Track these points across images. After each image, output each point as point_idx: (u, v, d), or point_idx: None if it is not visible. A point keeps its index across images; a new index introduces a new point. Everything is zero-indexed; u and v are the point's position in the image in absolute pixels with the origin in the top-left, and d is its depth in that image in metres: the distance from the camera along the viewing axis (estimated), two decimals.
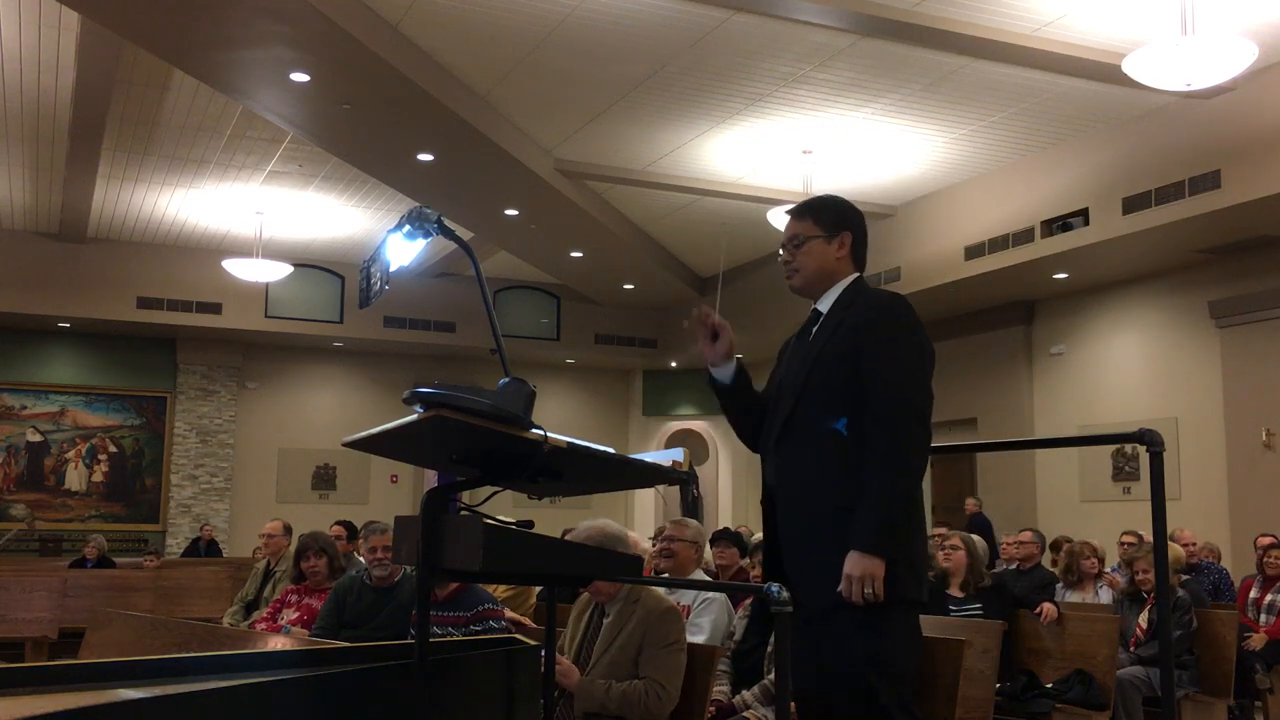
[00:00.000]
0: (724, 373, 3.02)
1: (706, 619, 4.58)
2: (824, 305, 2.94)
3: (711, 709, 3.87)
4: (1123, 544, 8.20)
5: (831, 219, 2.97)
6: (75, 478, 14.76)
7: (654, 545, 5.05)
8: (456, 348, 15.57)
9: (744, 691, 4.12)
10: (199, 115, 9.66)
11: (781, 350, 3.06)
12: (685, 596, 4.55)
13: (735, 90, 8.67)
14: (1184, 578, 6.67)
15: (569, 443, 2.21)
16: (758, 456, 3.01)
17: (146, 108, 9.49)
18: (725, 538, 6.14)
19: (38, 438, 14.64)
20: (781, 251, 3.02)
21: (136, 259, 13.85)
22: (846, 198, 3.13)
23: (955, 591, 5.89)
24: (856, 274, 2.98)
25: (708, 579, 5.29)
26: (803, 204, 3.06)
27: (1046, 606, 5.85)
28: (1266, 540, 7.57)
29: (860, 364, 2.75)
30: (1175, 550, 6.78)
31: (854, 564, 2.62)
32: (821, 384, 2.80)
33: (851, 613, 2.63)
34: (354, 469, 15.68)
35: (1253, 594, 7.42)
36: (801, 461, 2.80)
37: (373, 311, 14.36)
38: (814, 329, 2.92)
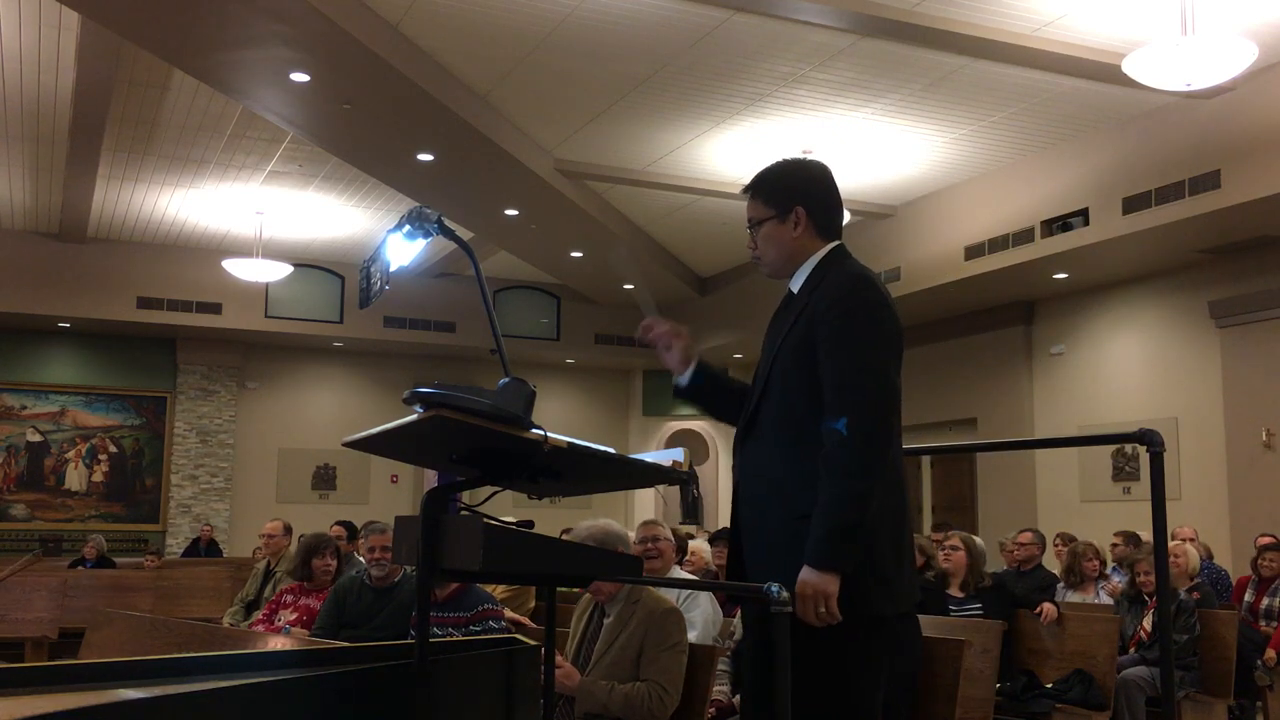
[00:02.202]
0: (684, 377, 2.81)
1: (697, 613, 4.59)
2: (795, 285, 2.67)
3: (711, 709, 3.87)
4: (1114, 545, 8.19)
5: (779, 197, 2.66)
6: (75, 478, 14.76)
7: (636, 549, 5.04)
8: (456, 348, 15.57)
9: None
10: (199, 115, 9.66)
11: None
12: (670, 592, 4.56)
13: (735, 90, 8.67)
14: (1196, 580, 6.63)
15: (569, 443, 2.21)
16: None
17: (146, 108, 9.49)
18: (725, 538, 6.14)
19: (38, 438, 14.63)
20: (748, 237, 2.75)
21: (136, 259, 13.85)
22: (799, 160, 2.81)
23: (955, 591, 5.90)
24: (829, 245, 2.66)
25: (693, 578, 5.30)
26: (753, 179, 2.73)
27: (1046, 607, 5.85)
28: (1265, 540, 7.55)
29: (818, 357, 2.50)
30: (1191, 553, 6.75)
31: (803, 581, 2.36)
32: (781, 379, 2.57)
33: (809, 633, 2.37)
34: (354, 469, 15.67)
35: (1248, 596, 7.39)
36: (762, 462, 2.59)
37: (373, 311, 14.35)
38: (784, 313, 2.68)
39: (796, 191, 2.67)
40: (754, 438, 2.63)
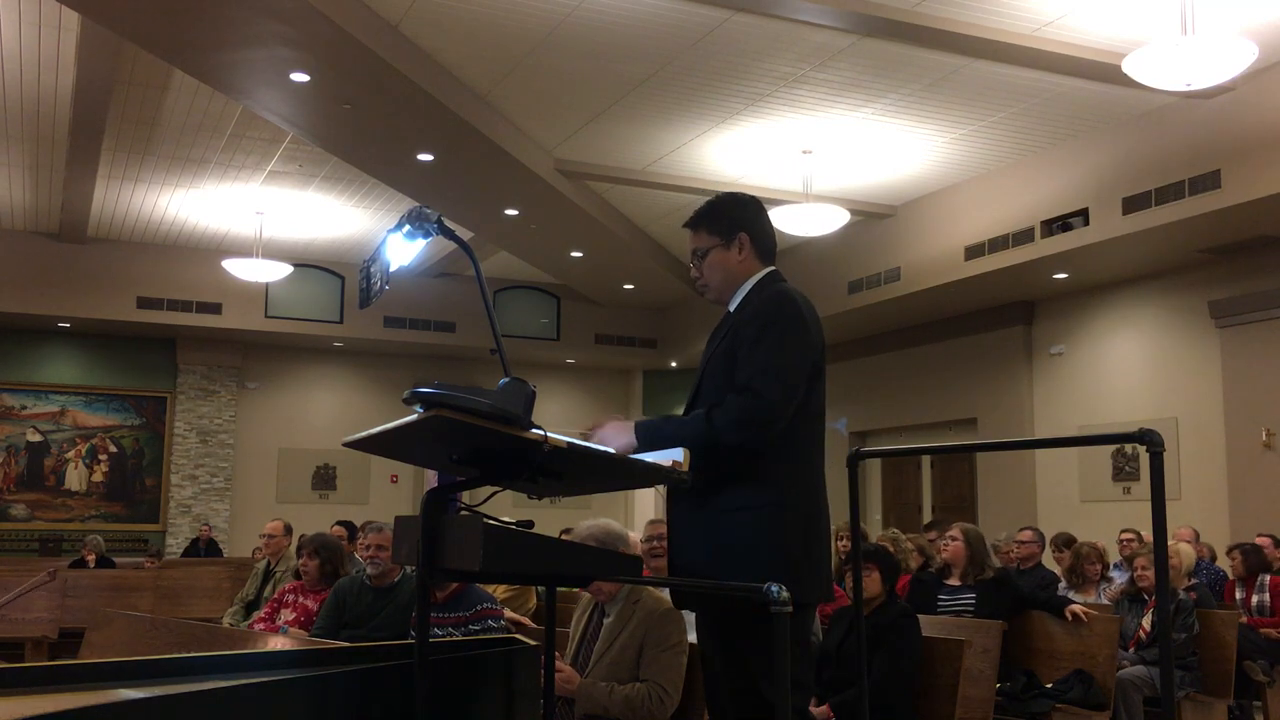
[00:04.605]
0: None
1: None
2: (733, 305, 2.94)
3: None
4: (1122, 542, 8.20)
5: (724, 224, 2.92)
6: (75, 478, 14.76)
7: (641, 546, 5.03)
8: (456, 348, 15.57)
9: None
10: (199, 115, 9.66)
11: None
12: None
13: (735, 90, 8.67)
14: (1192, 580, 6.64)
15: (569, 443, 2.21)
16: None
17: (146, 108, 9.49)
18: None
19: (38, 438, 14.63)
20: (691, 268, 3.02)
21: (136, 259, 13.85)
22: (744, 192, 3.09)
23: (955, 581, 5.89)
24: (766, 269, 2.94)
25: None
26: (695, 213, 3.00)
27: (1076, 608, 5.72)
28: (1263, 541, 7.60)
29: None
30: (1187, 552, 6.74)
31: (612, 428, 2.71)
32: (712, 388, 2.82)
33: (736, 618, 2.67)
34: (354, 469, 15.68)
35: (1238, 594, 7.46)
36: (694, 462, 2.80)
37: (373, 311, 14.35)
38: (719, 329, 2.96)
39: (739, 220, 2.93)
40: None
